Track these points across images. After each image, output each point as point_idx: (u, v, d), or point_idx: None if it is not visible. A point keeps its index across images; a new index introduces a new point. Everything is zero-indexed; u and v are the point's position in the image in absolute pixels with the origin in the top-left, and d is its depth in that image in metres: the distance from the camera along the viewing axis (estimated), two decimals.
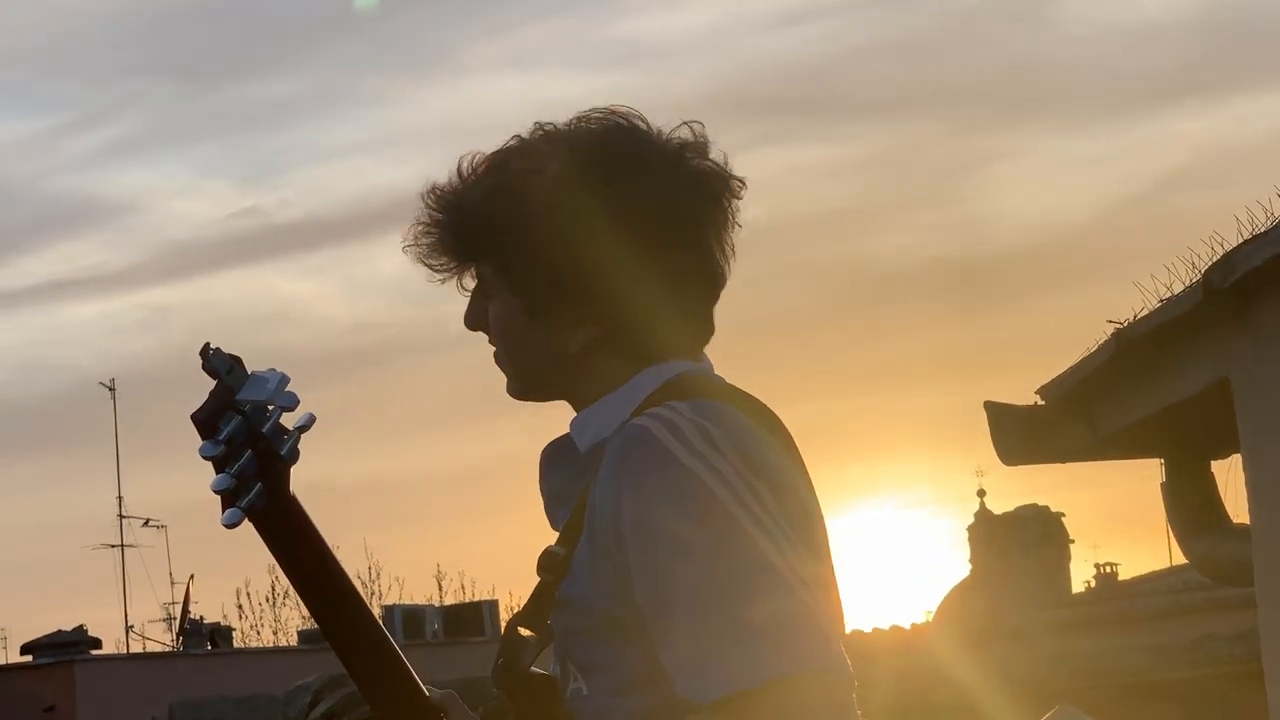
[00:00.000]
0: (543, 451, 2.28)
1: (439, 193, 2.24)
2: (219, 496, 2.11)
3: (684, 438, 2.08)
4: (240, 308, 44.82)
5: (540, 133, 2.22)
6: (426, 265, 2.26)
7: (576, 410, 2.23)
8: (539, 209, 2.17)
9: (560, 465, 2.25)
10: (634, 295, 2.17)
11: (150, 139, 45.68)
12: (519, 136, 2.23)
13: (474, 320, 2.27)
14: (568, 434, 2.24)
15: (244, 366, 2.15)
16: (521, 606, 2.22)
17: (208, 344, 2.13)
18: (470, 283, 2.27)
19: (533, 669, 2.20)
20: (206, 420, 2.12)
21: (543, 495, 2.29)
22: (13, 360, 45.24)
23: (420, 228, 2.25)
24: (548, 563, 2.17)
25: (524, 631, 2.20)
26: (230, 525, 2.11)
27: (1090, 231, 42.05)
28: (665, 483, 2.06)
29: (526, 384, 2.26)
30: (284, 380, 2.15)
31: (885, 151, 43.32)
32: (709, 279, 2.22)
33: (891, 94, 42.91)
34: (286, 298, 44.54)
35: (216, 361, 2.13)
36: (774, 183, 43.91)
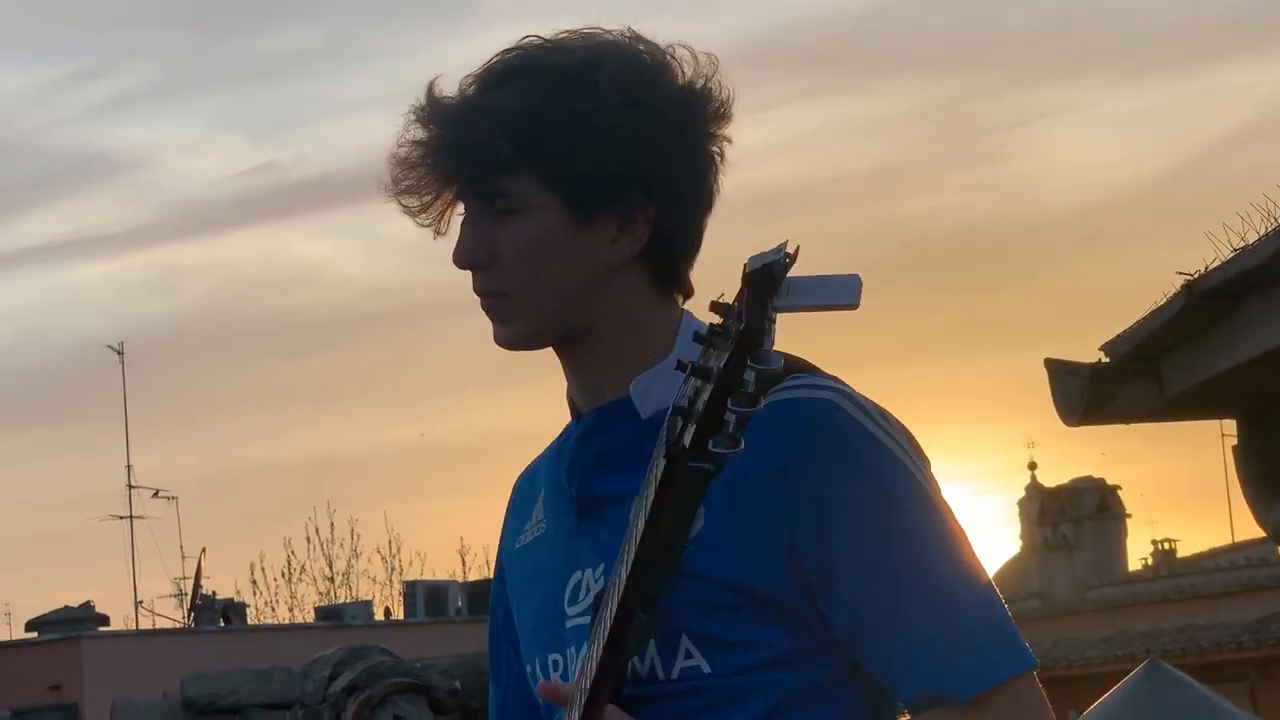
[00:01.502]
0: (585, 415, 2.20)
1: (448, 105, 2.14)
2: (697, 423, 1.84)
3: (867, 412, 2.10)
4: (255, 269, 45.02)
5: (546, 40, 2.17)
6: (411, 200, 2.16)
7: (578, 358, 2.19)
8: (604, 99, 2.11)
9: (610, 430, 2.18)
10: (678, 201, 2.16)
11: (160, 91, 45.83)
12: (523, 46, 2.17)
13: (478, 250, 2.16)
14: (620, 398, 2.17)
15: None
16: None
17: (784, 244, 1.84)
18: (450, 215, 2.18)
19: None
20: (762, 329, 1.81)
21: (576, 461, 2.20)
22: (16, 324, 45.45)
23: (415, 152, 2.14)
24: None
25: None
26: (718, 454, 1.84)
27: (1148, 190, 41.95)
28: (870, 461, 2.07)
29: (546, 311, 2.16)
30: (852, 283, 1.84)
31: (931, 106, 43.23)
32: (711, 200, 2.21)
33: (937, 46, 42.79)
34: (304, 258, 44.67)
35: (785, 264, 1.82)
36: (813, 140, 43.90)
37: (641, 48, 2.17)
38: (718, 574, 2.08)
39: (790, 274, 1.81)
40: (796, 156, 43.57)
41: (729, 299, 1.82)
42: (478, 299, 2.19)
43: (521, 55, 2.17)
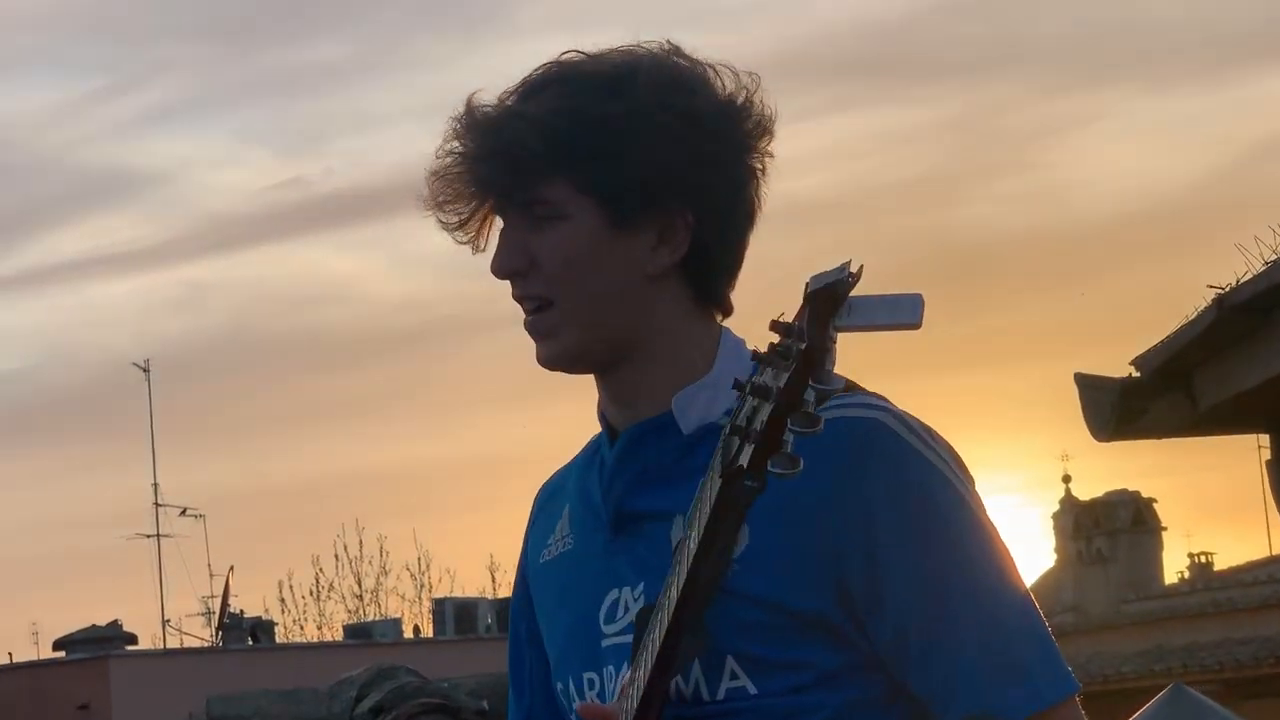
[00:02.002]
0: (625, 432, 2.18)
1: (484, 115, 2.16)
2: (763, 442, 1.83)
3: (915, 431, 2.10)
4: (282, 285, 45.10)
5: (585, 54, 2.19)
6: (449, 214, 2.18)
7: (617, 378, 2.18)
8: (642, 104, 2.12)
9: (651, 445, 2.17)
10: (717, 210, 2.16)
11: (188, 106, 45.96)
12: (561, 60, 2.19)
13: (518, 257, 2.16)
14: (661, 414, 2.16)
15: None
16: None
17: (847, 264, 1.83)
18: (489, 229, 2.19)
19: None
20: (826, 348, 1.81)
21: (618, 478, 2.19)
22: (43, 341, 45.61)
23: (452, 162, 2.16)
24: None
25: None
26: (779, 474, 1.84)
27: (1183, 199, 41.83)
28: (919, 480, 2.07)
29: (587, 321, 2.15)
30: (914, 303, 1.83)
31: (967, 116, 43.18)
32: (752, 215, 2.20)
33: (973, 54, 42.73)
34: (331, 274, 44.75)
35: (849, 281, 1.82)
36: (849, 149, 43.83)
37: (681, 60, 2.18)
38: (763, 594, 2.08)
39: (853, 293, 1.80)
40: (831, 167, 43.52)
41: (788, 316, 1.82)
42: (507, 315, 2.20)
43: (560, 67, 2.18)
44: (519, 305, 2.18)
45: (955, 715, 2.06)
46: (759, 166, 2.19)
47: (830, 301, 1.79)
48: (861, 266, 1.81)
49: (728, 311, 2.22)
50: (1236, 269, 6.46)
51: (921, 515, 2.06)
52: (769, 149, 2.20)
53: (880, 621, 2.07)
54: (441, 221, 2.19)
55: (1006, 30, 43.67)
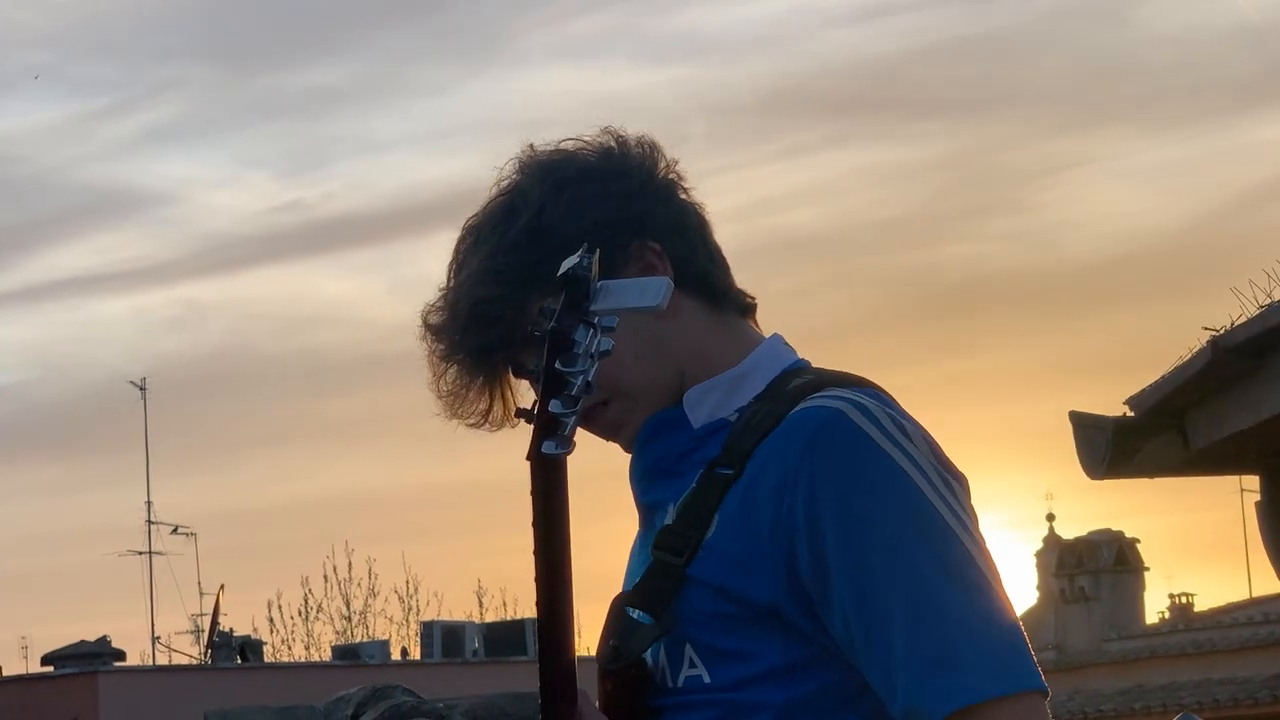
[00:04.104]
0: (644, 423, 2.23)
1: (439, 319, 2.26)
2: (532, 424, 2.01)
3: (880, 424, 2.08)
4: (280, 306, 45.12)
5: (491, 193, 2.29)
6: (475, 412, 2.26)
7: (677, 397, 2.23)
8: (541, 198, 2.21)
9: (663, 439, 2.21)
10: (669, 227, 2.24)
11: (189, 127, 45.97)
12: (471, 219, 2.29)
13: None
14: (674, 408, 2.21)
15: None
16: (633, 586, 2.18)
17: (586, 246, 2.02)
18: (511, 395, 2.25)
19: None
20: (565, 330, 1.98)
21: (636, 467, 2.24)
22: (40, 357, 45.57)
23: (443, 352, 2.24)
24: (672, 542, 2.13)
25: (632, 612, 2.15)
26: (555, 454, 2.02)
27: (1173, 243, 41.94)
28: (869, 471, 2.05)
29: (642, 396, 2.21)
30: (659, 285, 2.03)
31: (959, 155, 43.30)
32: (701, 217, 2.29)
33: (966, 94, 42.88)
34: (329, 297, 44.77)
35: (587, 266, 1.99)
36: (840, 185, 43.92)
37: (555, 152, 2.27)
38: (720, 582, 2.10)
39: (614, 280, 2.00)
40: (825, 202, 43.64)
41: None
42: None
43: (465, 231, 2.27)
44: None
45: (894, 710, 2.04)
46: (673, 178, 2.28)
47: (575, 285, 1.96)
48: (599, 251, 1.99)
49: (748, 304, 2.28)
50: (1231, 312, 6.48)
51: (866, 507, 2.04)
52: (670, 166, 2.28)
53: (830, 615, 2.07)
54: (477, 424, 2.27)
55: (1003, 71, 43.84)
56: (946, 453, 2.12)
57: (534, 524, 2.05)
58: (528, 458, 2.02)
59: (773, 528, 2.07)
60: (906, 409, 2.15)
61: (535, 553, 2.06)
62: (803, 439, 2.07)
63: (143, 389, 30.22)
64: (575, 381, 1.95)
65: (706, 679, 2.11)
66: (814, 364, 2.25)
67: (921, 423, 2.13)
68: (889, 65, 42.72)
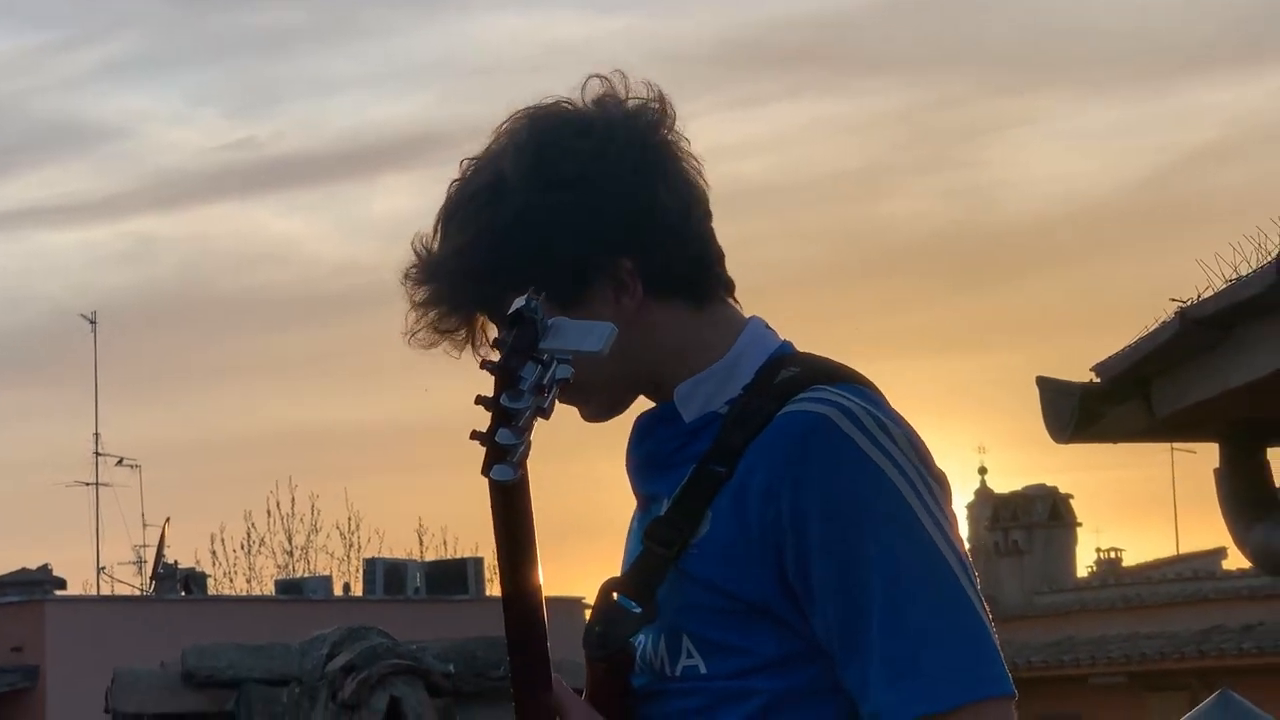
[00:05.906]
0: (637, 419, 2.26)
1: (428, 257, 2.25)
2: (484, 447, 1.99)
3: (865, 429, 2.09)
4: (229, 243, 44.89)
5: (464, 167, 2.25)
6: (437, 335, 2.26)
7: (660, 394, 2.23)
8: (521, 200, 2.17)
9: (656, 433, 2.24)
10: (647, 233, 2.18)
11: (142, 62, 45.68)
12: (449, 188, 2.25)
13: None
14: (666, 403, 2.23)
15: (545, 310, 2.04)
16: (622, 574, 2.21)
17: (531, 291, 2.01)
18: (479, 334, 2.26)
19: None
20: (512, 369, 1.98)
21: (632, 460, 2.27)
22: None
23: (418, 306, 2.25)
24: (663, 535, 2.16)
25: (620, 600, 2.18)
26: (503, 481, 2.01)
27: (1113, 204, 42.13)
28: (853, 479, 2.07)
29: (604, 389, 2.22)
30: (604, 331, 2.02)
31: (906, 110, 43.35)
32: (685, 206, 2.22)
33: (916, 51, 42.93)
34: (277, 235, 44.58)
35: (535, 308, 2.00)
36: (787, 138, 43.88)
37: (542, 125, 2.20)
38: (714, 579, 2.13)
39: (562, 320, 2.00)
40: (776, 153, 43.65)
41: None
42: None
43: (445, 201, 2.25)
44: None
45: (863, 714, 2.09)
46: (660, 158, 2.21)
47: (523, 323, 1.98)
48: (544, 294, 1.99)
49: (729, 289, 2.25)
50: (1197, 283, 6.57)
51: (846, 513, 2.07)
52: (670, 126, 2.22)
53: (814, 613, 2.10)
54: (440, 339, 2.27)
55: (953, 28, 43.89)
56: (923, 439, 2.15)
57: (496, 540, 2.07)
58: (482, 473, 2.01)
59: (761, 530, 2.10)
60: (845, 361, 2.18)
61: (499, 561, 2.08)
62: (790, 445, 2.10)
63: (93, 322, 30.11)
64: (523, 412, 1.96)
65: (703, 669, 2.16)
66: (781, 335, 2.25)
67: (904, 416, 2.16)
68: (842, 20, 42.76)
